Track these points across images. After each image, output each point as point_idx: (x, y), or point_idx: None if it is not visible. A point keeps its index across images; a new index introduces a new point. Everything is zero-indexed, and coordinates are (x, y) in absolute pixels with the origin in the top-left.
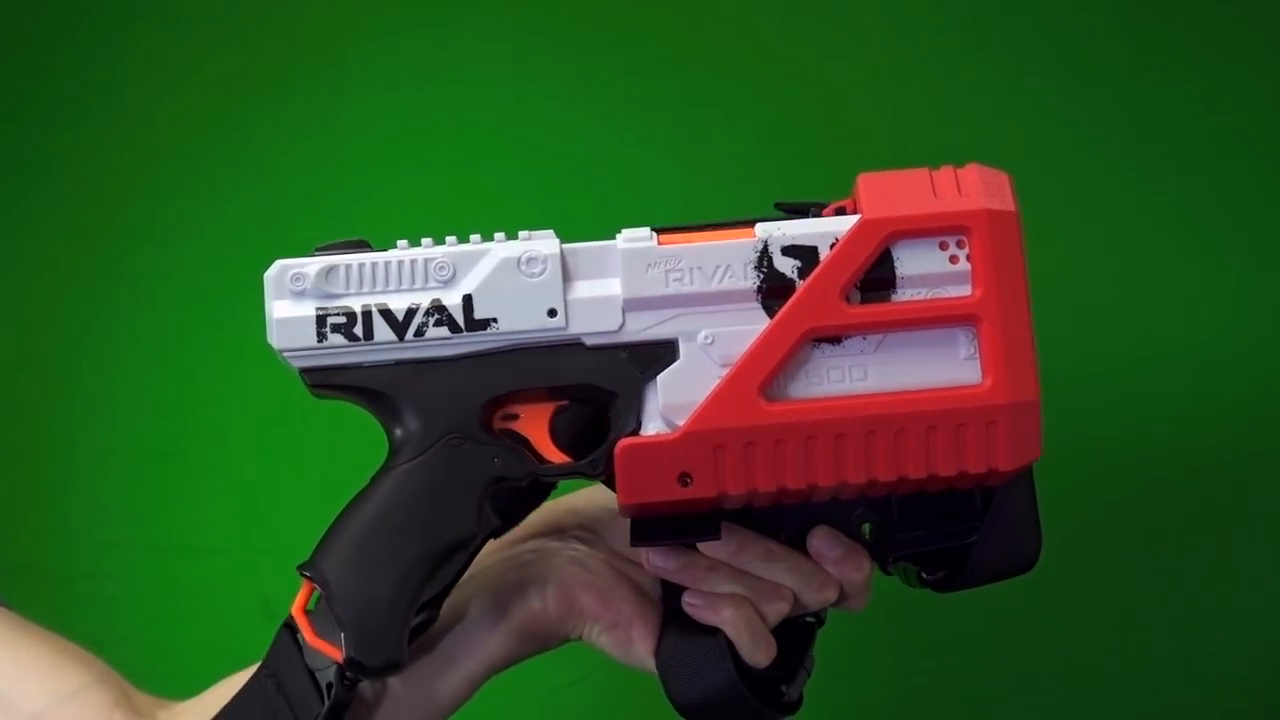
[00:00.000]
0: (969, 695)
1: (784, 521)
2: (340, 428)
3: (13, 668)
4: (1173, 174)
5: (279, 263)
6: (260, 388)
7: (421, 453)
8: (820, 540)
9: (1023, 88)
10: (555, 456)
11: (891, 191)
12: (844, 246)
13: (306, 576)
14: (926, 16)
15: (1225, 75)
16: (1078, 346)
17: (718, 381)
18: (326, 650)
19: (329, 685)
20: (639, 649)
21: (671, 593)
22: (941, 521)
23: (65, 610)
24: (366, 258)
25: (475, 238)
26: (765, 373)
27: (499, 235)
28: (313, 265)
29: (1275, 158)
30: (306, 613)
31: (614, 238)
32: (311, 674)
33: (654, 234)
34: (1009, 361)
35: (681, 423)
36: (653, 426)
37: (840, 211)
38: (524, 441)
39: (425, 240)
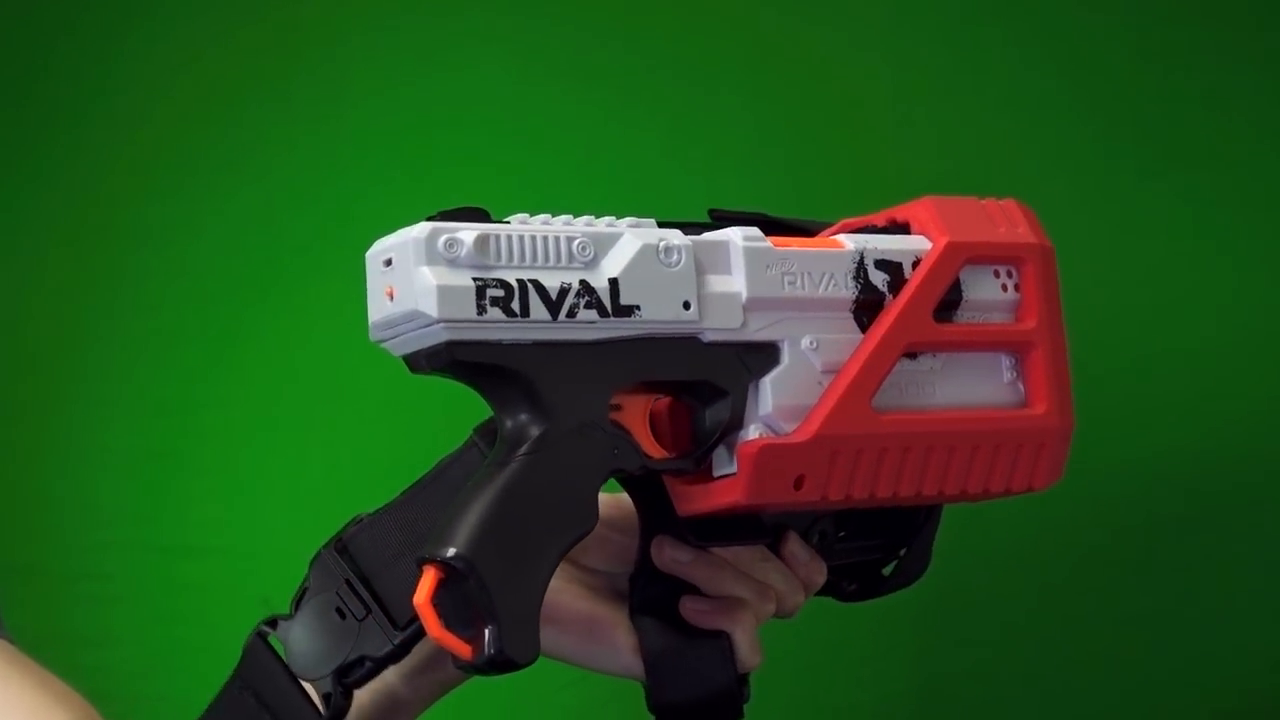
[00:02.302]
0: (969, 695)
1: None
2: (341, 428)
3: (2, 703)
4: (1174, 172)
5: (427, 225)
6: (260, 388)
7: (552, 442)
8: (794, 545)
9: (1024, 86)
10: (655, 450)
11: (961, 217)
12: (933, 268)
13: (442, 562)
14: (931, 12)
15: (1227, 73)
16: (1077, 346)
17: (820, 389)
18: (453, 644)
19: (327, 695)
20: (624, 656)
21: (655, 596)
22: (881, 534)
23: (65, 610)
24: (517, 229)
25: (584, 217)
26: (874, 384)
27: (605, 217)
28: (468, 232)
29: (1277, 156)
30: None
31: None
32: (299, 684)
33: (764, 238)
34: (1058, 388)
35: (786, 426)
36: (753, 429)
37: (893, 224)
38: (625, 432)
39: (540, 215)
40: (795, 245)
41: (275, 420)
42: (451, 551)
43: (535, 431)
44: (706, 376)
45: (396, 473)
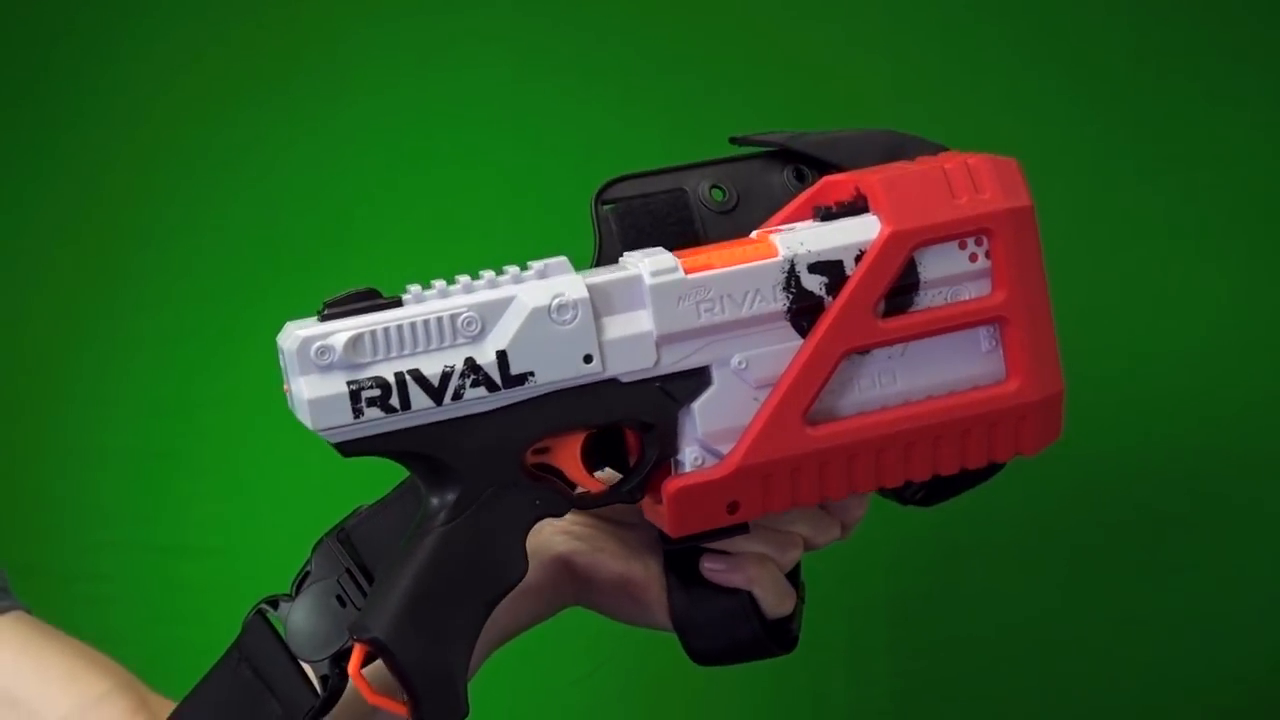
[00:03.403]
0: (969, 695)
1: None
2: None
3: (35, 674)
4: (1174, 172)
5: (296, 334)
6: (259, 388)
7: (465, 510)
8: None
9: (1024, 86)
10: (590, 484)
11: (911, 195)
12: (873, 264)
13: (363, 641)
14: (931, 12)
15: (1227, 73)
16: (1076, 345)
17: (755, 405)
18: (390, 706)
19: (324, 677)
20: (653, 611)
21: (680, 552)
22: None
23: (65, 610)
24: (390, 319)
25: (487, 273)
26: (807, 399)
27: (510, 269)
28: (338, 335)
29: (1277, 156)
30: (361, 673)
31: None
32: (297, 663)
33: (677, 263)
34: (1034, 359)
35: (722, 449)
36: (689, 451)
37: (849, 202)
38: (557, 472)
39: (437, 282)
40: (715, 263)
41: (274, 420)
42: (370, 634)
43: (449, 500)
44: (627, 415)
45: (395, 472)
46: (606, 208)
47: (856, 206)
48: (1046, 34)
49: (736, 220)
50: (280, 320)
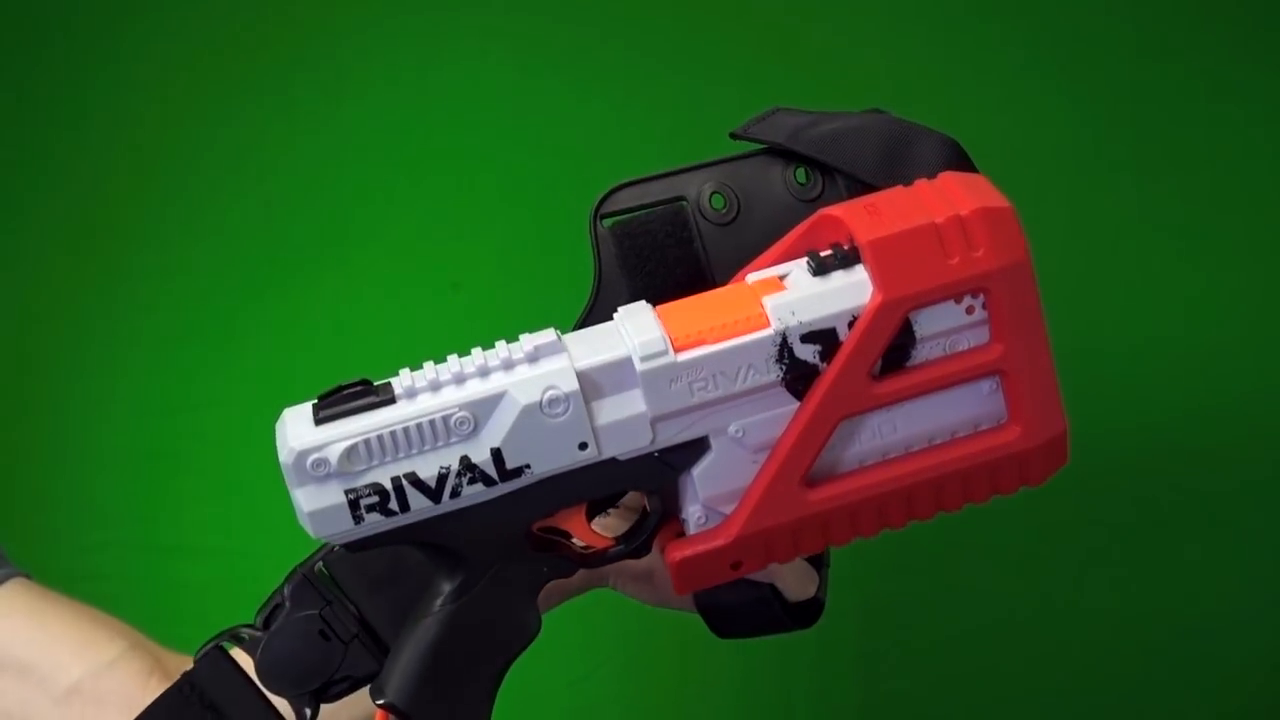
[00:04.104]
0: (968, 695)
1: None
2: None
3: (44, 640)
4: (1174, 172)
5: (291, 447)
6: (259, 388)
7: (473, 586)
8: None
9: (1024, 86)
10: (598, 541)
11: (903, 258)
12: (865, 331)
13: (384, 707)
14: (931, 11)
15: (1226, 73)
16: (1076, 345)
17: (755, 468)
18: None
19: (300, 710)
20: (681, 599)
21: None
22: None
23: None
24: (383, 423)
25: (477, 356)
26: (805, 465)
27: (501, 348)
28: (332, 448)
29: (1276, 156)
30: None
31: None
32: (264, 699)
33: (667, 344)
34: (1035, 406)
35: (725, 509)
36: (692, 510)
37: (839, 254)
38: (564, 533)
39: (428, 368)
40: (707, 337)
41: (274, 420)
42: (390, 701)
43: (457, 578)
44: (627, 487)
45: None
46: (605, 223)
47: (849, 257)
48: (1047, 35)
49: (738, 234)
50: (280, 320)
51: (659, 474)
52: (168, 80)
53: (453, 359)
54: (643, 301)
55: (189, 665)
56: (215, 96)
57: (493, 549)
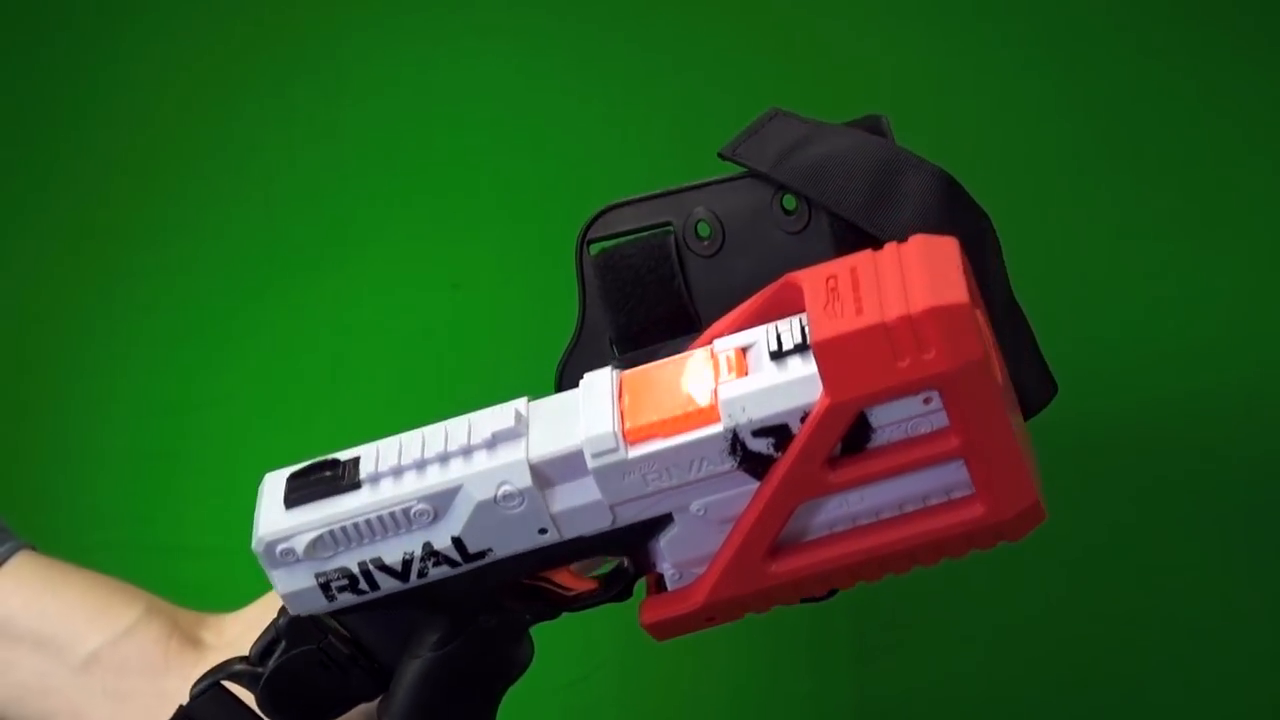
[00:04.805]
0: (968, 695)
1: None
2: (339, 427)
3: (59, 611)
4: (1174, 172)
5: (259, 536)
6: (259, 388)
7: (457, 636)
8: None
9: (1024, 86)
10: (579, 584)
11: (851, 360)
12: (815, 431)
13: None
14: (931, 11)
15: (1225, 74)
16: (1076, 346)
17: (723, 534)
18: None
19: None
20: None
21: None
22: None
23: None
24: (346, 513)
25: (438, 439)
26: (766, 543)
27: (463, 428)
28: (299, 539)
29: (1276, 156)
30: None
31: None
32: None
33: (618, 439)
34: (1001, 486)
35: (696, 570)
36: (665, 568)
37: (797, 345)
38: (546, 578)
39: (390, 447)
40: (657, 431)
41: (274, 420)
42: None
43: (441, 631)
44: (596, 553)
45: None
46: (592, 249)
47: (807, 345)
48: (1047, 35)
49: (721, 266)
50: (280, 319)
51: (626, 543)
52: (168, 80)
53: (421, 435)
54: (608, 371)
55: (205, 624)
56: (215, 97)
57: (470, 606)
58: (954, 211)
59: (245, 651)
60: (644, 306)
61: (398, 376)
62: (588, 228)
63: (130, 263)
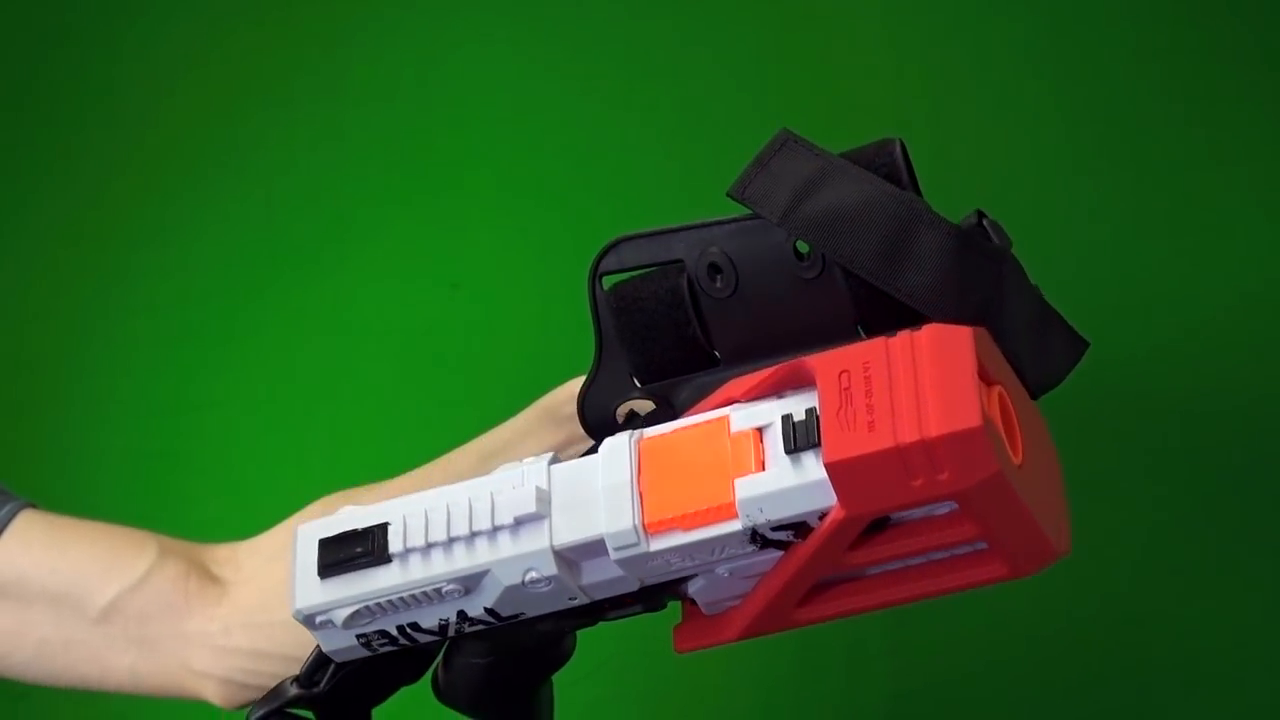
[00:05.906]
0: (968, 696)
1: None
2: (340, 426)
3: (70, 566)
4: (1174, 172)
5: (299, 609)
6: (259, 388)
7: (498, 650)
8: None
9: (1024, 86)
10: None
11: (865, 479)
12: (832, 534)
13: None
14: (931, 12)
15: (1226, 74)
16: None
17: (749, 585)
18: None
19: None
20: None
21: None
22: None
23: None
24: (380, 591)
25: (463, 518)
26: (793, 602)
27: (485, 505)
28: (337, 613)
29: (1275, 156)
30: None
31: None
32: None
33: (639, 533)
34: (1021, 553)
35: (727, 605)
36: (694, 588)
37: (813, 440)
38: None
39: (420, 519)
40: (679, 523)
41: (274, 420)
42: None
43: (485, 643)
44: (627, 609)
45: (395, 471)
46: (605, 281)
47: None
48: (1047, 35)
49: (736, 308)
50: (280, 320)
51: (654, 595)
52: (168, 81)
53: (445, 505)
54: (625, 441)
55: (220, 559)
56: (216, 97)
57: (512, 636)
58: (967, 272)
59: (265, 586)
60: (660, 348)
61: (397, 376)
62: (599, 260)
63: (130, 262)
